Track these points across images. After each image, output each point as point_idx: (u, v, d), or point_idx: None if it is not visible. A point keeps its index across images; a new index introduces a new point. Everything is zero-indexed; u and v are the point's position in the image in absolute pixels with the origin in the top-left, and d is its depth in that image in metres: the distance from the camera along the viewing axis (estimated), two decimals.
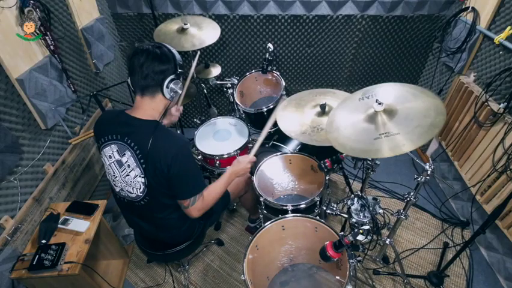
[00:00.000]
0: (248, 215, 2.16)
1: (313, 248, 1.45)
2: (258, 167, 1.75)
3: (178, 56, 1.21)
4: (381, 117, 1.22)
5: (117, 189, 1.29)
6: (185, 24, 2.09)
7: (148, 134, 1.14)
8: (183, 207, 1.29)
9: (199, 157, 1.96)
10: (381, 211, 1.50)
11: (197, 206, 1.28)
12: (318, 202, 1.56)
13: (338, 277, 1.42)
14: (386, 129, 1.18)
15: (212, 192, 1.34)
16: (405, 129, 1.15)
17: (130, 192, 1.25)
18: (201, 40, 2.05)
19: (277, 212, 1.55)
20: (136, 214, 1.37)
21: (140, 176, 1.19)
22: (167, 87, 1.17)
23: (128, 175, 1.22)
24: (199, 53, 1.83)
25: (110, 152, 1.22)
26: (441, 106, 1.15)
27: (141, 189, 1.22)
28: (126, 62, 1.20)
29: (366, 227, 1.21)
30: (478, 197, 1.92)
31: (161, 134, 1.17)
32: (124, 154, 1.19)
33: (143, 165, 1.17)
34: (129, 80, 1.20)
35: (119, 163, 1.21)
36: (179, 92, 1.23)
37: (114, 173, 1.25)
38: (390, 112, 1.22)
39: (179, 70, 1.20)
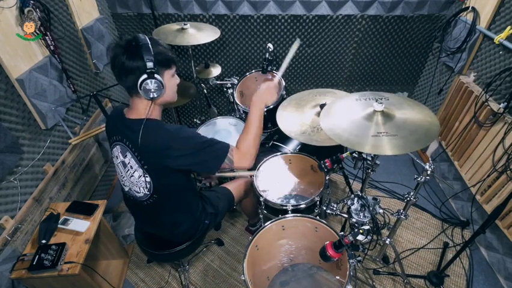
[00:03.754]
0: (248, 220, 2.15)
1: (313, 248, 1.45)
2: (258, 167, 1.75)
3: (150, 48, 1.05)
4: (379, 118, 1.23)
5: (126, 189, 1.30)
6: (184, 24, 2.10)
7: (138, 133, 1.11)
8: (228, 170, 1.29)
9: None
10: (381, 211, 1.50)
11: (237, 158, 1.23)
12: (318, 202, 1.56)
13: (338, 277, 1.42)
14: (385, 129, 1.19)
15: (245, 137, 1.30)
16: (402, 132, 1.17)
17: (137, 192, 1.26)
18: (198, 39, 2.06)
19: (277, 212, 1.55)
20: (143, 213, 1.38)
21: (144, 176, 1.19)
22: (140, 88, 1.07)
23: (132, 175, 1.22)
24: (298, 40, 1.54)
25: (117, 153, 1.23)
26: (434, 118, 1.23)
27: (147, 188, 1.22)
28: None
29: (366, 227, 1.21)
30: (478, 197, 1.91)
31: (150, 130, 1.12)
32: (126, 155, 1.20)
33: (145, 166, 1.17)
34: None
35: (123, 164, 1.22)
36: (155, 94, 1.09)
37: (121, 173, 1.26)
38: (388, 115, 1.24)
39: (150, 68, 1.05)
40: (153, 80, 1.07)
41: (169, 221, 1.37)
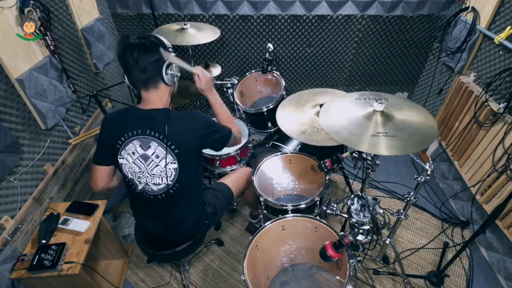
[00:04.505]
0: (250, 211, 2.16)
1: (314, 248, 1.45)
2: (258, 167, 1.75)
3: (165, 40, 1.22)
4: (379, 118, 1.23)
5: (140, 186, 1.29)
6: (184, 24, 2.11)
7: (166, 121, 1.20)
8: (231, 145, 1.43)
9: None
10: (381, 211, 1.50)
11: (236, 134, 1.43)
12: (318, 202, 1.56)
13: (338, 277, 1.42)
14: (384, 130, 1.19)
15: (225, 116, 1.49)
16: (401, 133, 1.18)
17: (158, 184, 1.27)
18: (198, 39, 2.07)
19: (277, 212, 1.55)
20: (154, 210, 1.37)
21: (172, 163, 1.23)
22: (166, 74, 1.19)
23: (157, 165, 1.23)
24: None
25: (133, 148, 1.23)
26: (433, 121, 1.24)
27: (171, 177, 1.25)
28: (118, 60, 1.17)
29: (366, 227, 1.21)
30: (478, 197, 1.92)
31: (177, 117, 1.24)
32: (149, 147, 1.21)
33: (176, 151, 1.21)
34: (126, 79, 1.21)
35: (144, 157, 1.23)
36: (179, 74, 1.26)
37: (140, 168, 1.25)
38: (387, 115, 1.25)
39: (172, 54, 1.22)
40: (174, 64, 1.22)
41: (175, 218, 1.37)
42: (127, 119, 1.24)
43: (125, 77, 1.21)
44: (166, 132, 1.19)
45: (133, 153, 1.24)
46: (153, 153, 1.22)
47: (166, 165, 1.23)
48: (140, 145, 1.22)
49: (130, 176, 1.29)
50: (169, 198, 1.30)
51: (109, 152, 1.27)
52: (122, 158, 1.26)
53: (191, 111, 1.35)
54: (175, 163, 1.23)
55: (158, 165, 1.24)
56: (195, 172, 1.34)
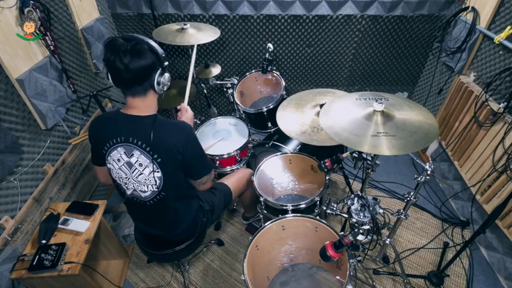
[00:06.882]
0: (243, 212, 2.17)
1: (314, 248, 1.45)
2: (258, 167, 1.75)
3: (157, 47, 1.14)
4: (379, 118, 1.23)
5: (129, 192, 1.28)
6: (184, 24, 2.11)
7: (150, 129, 1.15)
8: (200, 184, 1.37)
9: None
10: (381, 211, 1.50)
11: (211, 176, 1.40)
12: (318, 202, 1.56)
13: (338, 277, 1.43)
14: (384, 129, 1.19)
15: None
16: (402, 133, 1.17)
17: (144, 191, 1.25)
18: (199, 39, 2.06)
19: (277, 212, 1.55)
20: (146, 214, 1.37)
21: (155, 171, 1.20)
22: (158, 83, 1.15)
23: (141, 174, 1.21)
24: (195, 46, 1.77)
25: (118, 155, 1.20)
26: (434, 120, 1.25)
27: (157, 185, 1.23)
28: (105, 64, 1.11)
29: (366, 227, 1.21)
30: (478, 197, 1.91)
31: (163, 125, 1.18)
32: (132, 155, 1.19)
33: (158, 160, 1.18)
34: (110, 80, 1.13)
35: (129, 164, 1.21)
36: (168, 84, 1.21)
37: (126, 175, 1.24)
38: (387, 115, 1.25)
39: (165, 63, 1.16)
40: (166, 74, 1.19)
41: (170, 220, 1.37)
42: (112, 125, 1.20)
43: (109, 77, 1.13)
44: (150, 140, 1.15)
45: (118, 160, 1.21)
46: (136, 162, 1.19)
47: (150, 173, 1.20)
48: (124, 152, 1.19)
49: (118, 181, 1.28)
50: (159, 203, 1.28)
51: (99, 155, 1.25)
52: (109, 164, 1.24)
53: (181, 122, 1.28)
54: (158, 172, 1.20)
55: (142, 174, 1.21)
56: (182, 178, 1.31)
